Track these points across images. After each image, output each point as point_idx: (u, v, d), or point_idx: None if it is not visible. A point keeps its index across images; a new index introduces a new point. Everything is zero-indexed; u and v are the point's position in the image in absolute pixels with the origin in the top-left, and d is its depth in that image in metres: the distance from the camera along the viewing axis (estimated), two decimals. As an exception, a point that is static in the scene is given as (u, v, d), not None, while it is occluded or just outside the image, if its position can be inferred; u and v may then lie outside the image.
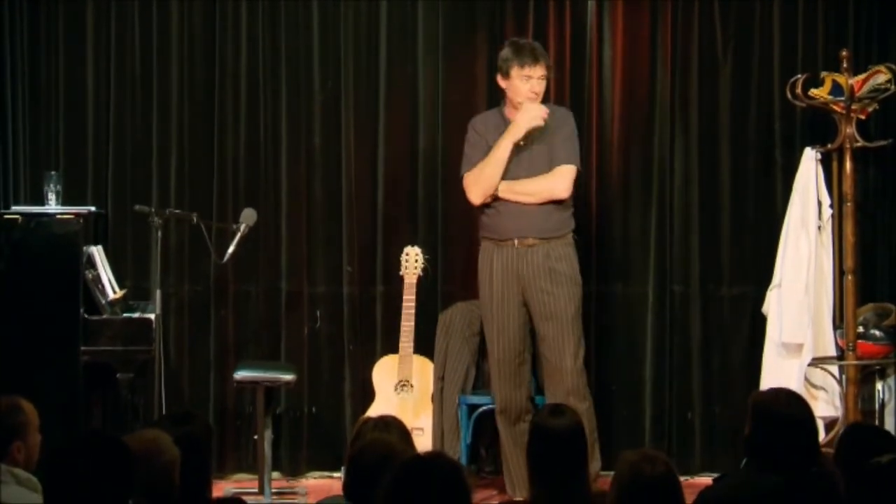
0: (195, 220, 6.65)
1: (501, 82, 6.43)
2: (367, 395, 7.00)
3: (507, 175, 6.35)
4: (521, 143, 6.36)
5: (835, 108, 6.90)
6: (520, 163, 6.37)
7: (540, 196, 6.34)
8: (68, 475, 3.15)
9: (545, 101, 6.54)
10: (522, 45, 6.49)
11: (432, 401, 6.75)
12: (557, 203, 6.36)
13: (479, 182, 6.36)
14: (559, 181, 6.35)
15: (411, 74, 7.30)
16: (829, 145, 6.97)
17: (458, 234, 7.01)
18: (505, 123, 6.41)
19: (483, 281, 6.43)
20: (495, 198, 6.35)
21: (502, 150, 6.32)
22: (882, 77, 6.88)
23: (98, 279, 6.66)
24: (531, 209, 6.33)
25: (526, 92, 6.36)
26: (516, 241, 6.34)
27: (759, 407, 4.11)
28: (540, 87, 6.39)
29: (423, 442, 6.56)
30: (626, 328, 7.34)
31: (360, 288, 7.24)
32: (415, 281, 6.82)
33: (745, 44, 7.33)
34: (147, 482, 3.51)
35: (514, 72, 6.37)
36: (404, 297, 6.79)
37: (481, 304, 6.49)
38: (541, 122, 6.33)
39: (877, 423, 6.98)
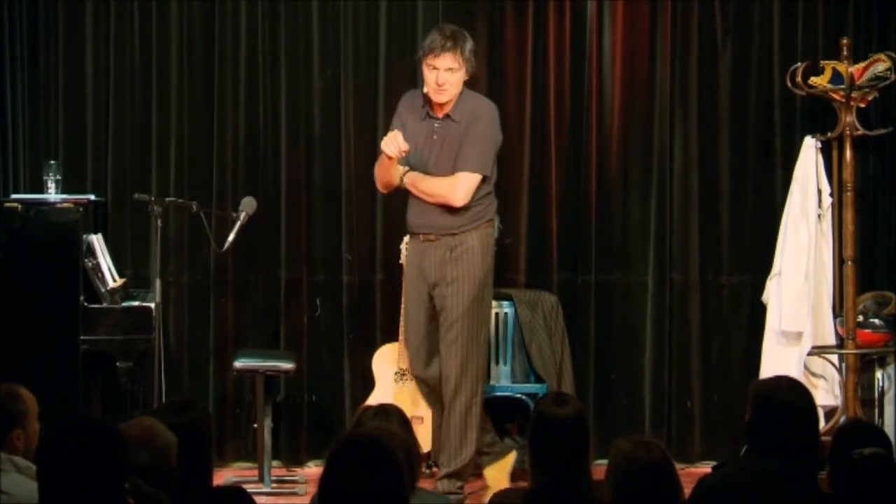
0: (195, 208, 6.64)
1: (422, 68, 6.31)
2: (367, 383, 7.00)
3: (415, 165, 6.25)
4: (434, 136, 6.24)
5: (835, 96, 6.90)
6: (429, 156, 6.24)
7: (436, 200, 6.19)
8: (62, 461, 3.15)
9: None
10: (439, 31, 6.27)
11: (432, 389, 6.75)
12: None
13: (376, 178, 6.37)
14: (457, 189, 6.15)
15: (410, 63, 7.29)
16: (829, 134, 6.97)
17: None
18: (425, 105, 6.27)
19: (403, 272, 6.45)
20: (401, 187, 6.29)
21: (380, 167, 6.25)
22: (882, 65, 6.88)
23: (98, 267, 6.66)
24: (434, 207, 6.21)
25: (431, 83, 6.17)
26: (421, 236, 6.28)
27: (760, 394, 4.10)
28: (445, 79, 6.14)
29: (423, 431, 6.56)
30: (626, 316, 7.34)
31: (359, 276, 7.24)
32: (414, 269, 6.81)
33: (745, 32, 7.33)
34: (145, 466, 3.52)
35: (424, 60, 6.19)
36: (404, 286, 6.78)
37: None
38: (396, 156, 6.10)
39: (876, 411, 7.00)
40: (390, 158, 6.15)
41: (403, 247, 6.81)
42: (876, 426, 4.31)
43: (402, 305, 6.53)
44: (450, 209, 6.20)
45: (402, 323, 6.54)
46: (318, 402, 7.27)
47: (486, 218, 6.29)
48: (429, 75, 6.19)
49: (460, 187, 6.16)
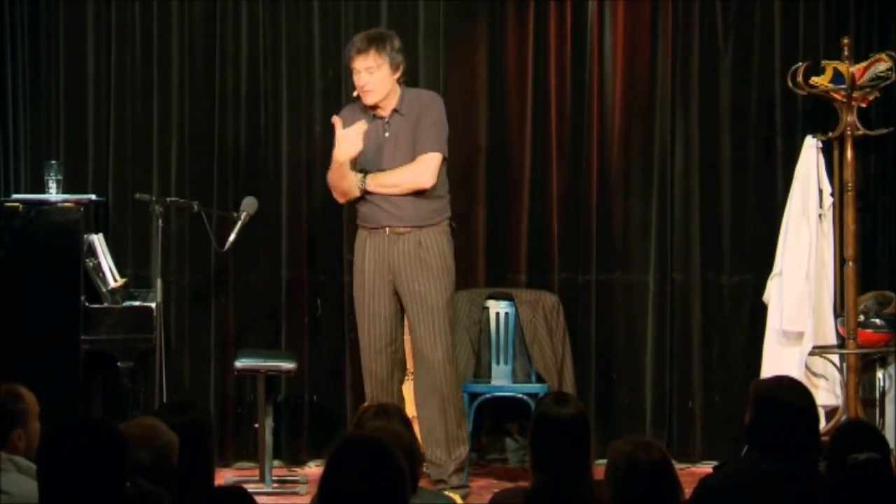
0: (196, 208, 6.65)
1: None
2: (368, 383, 7.00)
3: (372, 166, 6.24)
4: (387, 133, 6.25)
5: (836, 96, 6.90)
6: (384, 153, 6.25)
7: (404, 187, 6.21)
8: (62, 461, 3.15)
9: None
10: (359, 36, 6.30)
11: (433, 389, 6.74)
12: (429, 192, 6.24)
13: (332, 189, 6.33)
14: (422, 170, 6.21)
15: (412, 63, 7.28)
16: (830, 133, 6.97)
17: (458, 222, 6.99)
18: (368, 109, 6.26)
19: (356, 269, 6.35)
20: (365, 191, 6.25)
21: (338, 168, 6.19)
22: (883, 65, 6.88)
23: (99, 267, 6.67)
24: (401, 199, 6.22)
25: (358, 86, 6.22)
26: (388, 230, 6.25)
27: (761, 394, 4.11)
28: (367, 80, 6.18)
29: (424, 430, 6.57)
30: (627, 316, 7.34)
31: (360, 276, 7.24)
32: (415, 269, 6.80)
33: (746, 32, 7.33)
34: (147, 466, 3.52)
35: (350, 64, 6.25)
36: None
37: (354, 293, 6.40)
38: (359, 148, 6.13)
39: (877, 411, 7.00)
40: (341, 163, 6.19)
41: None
42: (873, 427, 4.30)
43: (364, 307, 6.32)
44: (419, 197, 6.22)
45: (366, 326, 6.34)
46: (318, 401, 7.27)
47: (446, 215, 6.35)
48: (355, 79, 6.24)
49: (426, 168, 6.21)
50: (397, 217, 6.23)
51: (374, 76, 6.19)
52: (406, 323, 6.36)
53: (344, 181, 6.23)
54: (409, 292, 6.24)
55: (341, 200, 6.40)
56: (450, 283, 6.31)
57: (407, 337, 6.51)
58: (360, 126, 6.13)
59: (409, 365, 6.63)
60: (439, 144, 6.26)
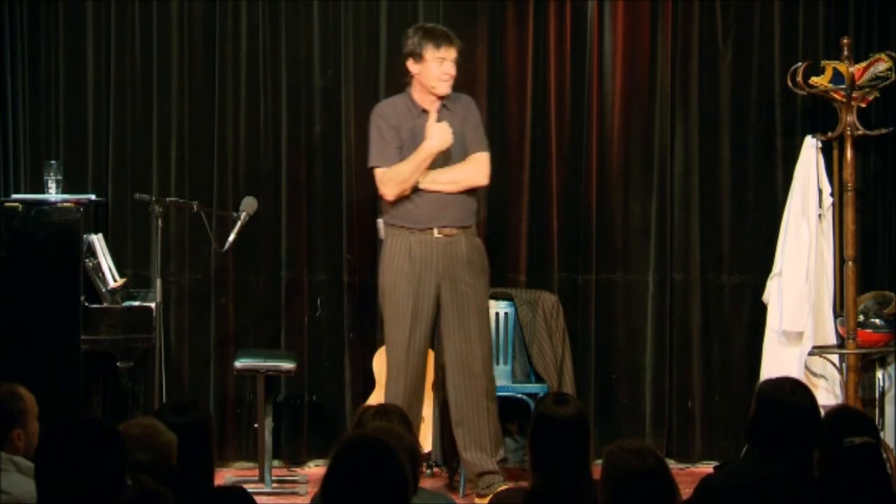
0: (195, 208, 6.65)
1: (413, 66, 6.31)
2: (368, 383, 7.01)
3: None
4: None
5: (835, 96, 6.90)
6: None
7: (462, 184, 6.30)
8: (59, 460, 3.14)
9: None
10: (435, 27, 6.46)
11: (433, 389, 6.75)
12: (470, 193, 6.33)
13: (398, 182, 6.24)
14: (480, 169, 6.34)
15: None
16: (830, 133, 6.97)
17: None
18: (415, 108, 6.33)
19: (395, 268, 6.30)
20: (413, 189, 6.27)
21: (425, 160, 6.21)
22: (883, 65, 6.89)
23: (98, 267, 6.67)
24: (449, 198, 6.27)
25: (439, 74, 6.29)
26: (436, 231, 6.27)
27: (763, 394, 4.11)
28: (453, 69, 6.31)
29: (425, 430, 6.57)
30: (627, 316, 7.35)
31: (360, 276, 7.24)
32: (415, 269, 6.80)
33: (746, 32, 7.33)
34: (147, 465, 3.52)
35: (429, 53, 6.28)
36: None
37: (389, 294, 6.32)
38: (450, 142, 6.23)
39: (877, 411, 7.00)
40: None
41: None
42: (864, 413, 4.34)
43: (408, 306, 6.29)
44: (464, 197, 6.29)
45: (408, 325, 6.31)
46: (318, 401, 7.27)
47: (477, 219, 6.45)
48: (437, 68, 6.29)
49: (483, 167, 6.36)
50: (445, 217, 6.27)
51: (454, 68, 6.32)
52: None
53: (419, 173, 6.24)
54: (457, 293, 6.28)
55: (391, 198, 6.30)
56: (488, 282, 6.44)
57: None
58: (446, 123, 6.25)
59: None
60: (486, 144, 6.40)
